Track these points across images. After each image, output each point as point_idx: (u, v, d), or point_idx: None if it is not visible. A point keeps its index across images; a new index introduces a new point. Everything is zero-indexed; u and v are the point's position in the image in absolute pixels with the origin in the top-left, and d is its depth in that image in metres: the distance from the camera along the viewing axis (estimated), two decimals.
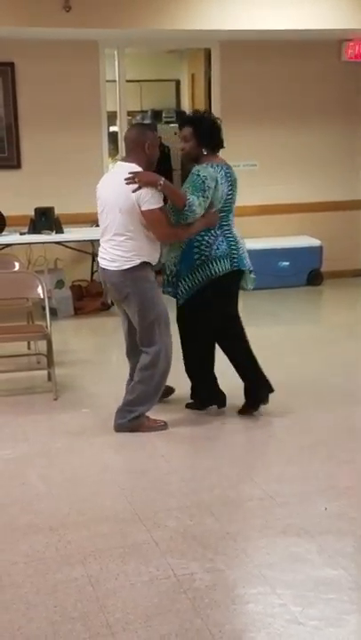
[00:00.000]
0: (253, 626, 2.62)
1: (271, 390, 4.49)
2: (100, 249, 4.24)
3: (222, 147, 4.33)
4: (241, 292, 4.48)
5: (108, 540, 3.14)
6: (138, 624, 2.59)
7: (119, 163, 4.35)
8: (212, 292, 4.26)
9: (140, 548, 3.07)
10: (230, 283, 4.33)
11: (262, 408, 4.49)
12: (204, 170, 4.16)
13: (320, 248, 8.15)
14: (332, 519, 3.30)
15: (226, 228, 4.28)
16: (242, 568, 2.93)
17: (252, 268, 4.38)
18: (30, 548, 3.10)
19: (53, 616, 2.65)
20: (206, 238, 4.22)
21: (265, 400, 4.49)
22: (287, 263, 7.93)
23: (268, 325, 6.66)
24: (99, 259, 4.27)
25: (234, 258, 4.27)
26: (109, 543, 3.12)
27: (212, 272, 4.23)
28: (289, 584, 2.81)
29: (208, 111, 4.66)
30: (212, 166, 4.20)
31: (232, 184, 4.26)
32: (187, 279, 4.27)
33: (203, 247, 4.22)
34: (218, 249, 4.23)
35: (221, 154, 4.37)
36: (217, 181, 4.15)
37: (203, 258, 4.22)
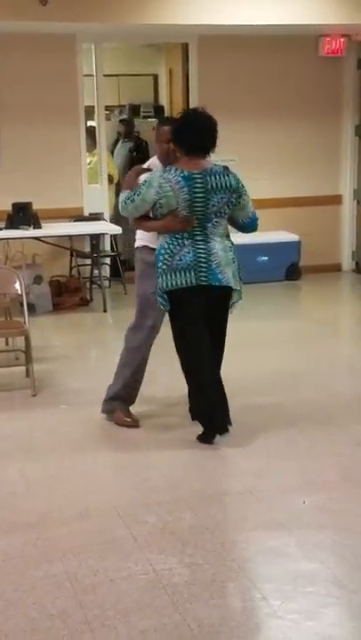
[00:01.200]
0: (233, 620, 2.63)
1: (225, 425, 4.07)
2: None
3: (197, 148, 3.94)
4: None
5: (87, 537, 3.14)
6: (117, 620, 2.59)
7: None
8: (173, 304, 3.96)
9: (120, 543, 3.07)
10: (191, 298, 3.93)
11: (242, 403, 4.47)
12: (153, 174, 3.97)
13: (298, 243, 8.18)
14: (311, 513, 3.31)
15: (198, 238, 3.93)
16: (221, 563, 2.94)
17: (230, 284, 3.97)
18: (9, 546, 3.08)
19: (32, 613, 2.64)
20: (172, 247, 3.92)
21: (217, 430, 4.06)
22: (266, 258, 7.96)
23: (247, 320, 6.65)
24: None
25: (201, 271, 3.91)
26: (88, 539, 3.12)
27: (168, 284, 3.91)
28: (268, 578, 2.82)
29: (193, 109, 4.33)
30: (171, 171, 3.91)
31: (203, 192, 3.87)
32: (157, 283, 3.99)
33: (166, 255, 3.92)
34: (180, 260, 3.89)
35: None
36: (161, 187, 3.86)
37: (163, 267, 3.92)
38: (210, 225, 3.95)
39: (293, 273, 8.19)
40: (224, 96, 7.83)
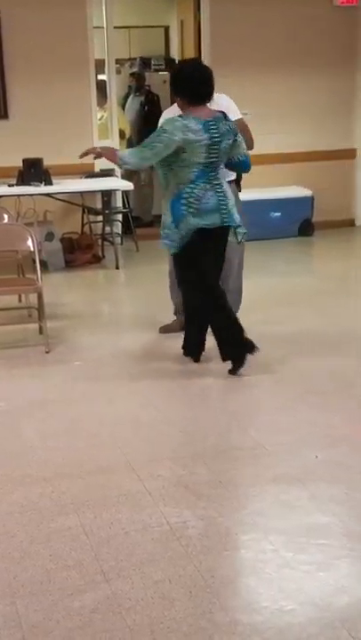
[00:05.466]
0: (245, 571, 2.67)
1: (249, 350, 4.32)
2: None
3: (201, 98, 4.15)
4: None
5: (101, 490, 3.18)
6: (132, 571, 2.63)
7: None
8: (198, 244, 4.20)
9: (134, 497, 3.11)
10: (216, 237, 4.27)
11: (254, 358, 4.48)
12: (172, 120, 4.12)
13: (311, 198, 8.10)
14: (324, 467, 3.33)
15: (215, 182, 4.20)
16: (234, 515, 2.97)
17: (240, 224, 4.29)
18: (25, 499, 3.13)
19: (48, 564, 2.69)
20: (196, 191, 4.14)
21: (239, 360, 4.34)
22: (278, 214, 7.90)
23: (260, 276, 6.64)
24: None
25: (223, 213, 4.21)
26: (103, 493, 3.15)
27: (199, 223, 4.16)
28: (280, 530, 2.85)
29: (191, 60, 4.66)
30: (183, 117, 4.11)
31: (219, 137, 4.10)
32: (175, 230, 4.20)
33: (192, 199, 4.15)
34: (207, 202, 4.16)
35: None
36: (184, 133, 4.02)
37: (191, 210, 4.15)
38: (221, 169, 4.25)
39: (306, 229, 8.13)
40: (237, 48, 7.70)
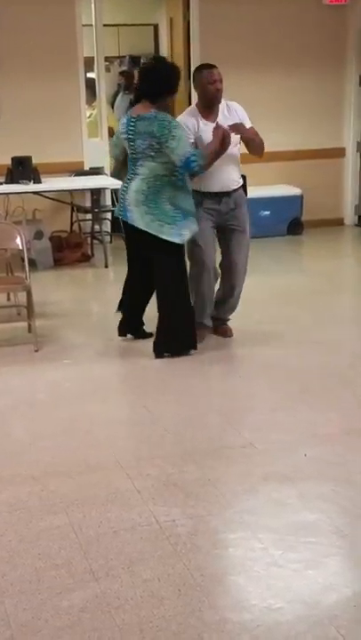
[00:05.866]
0: (234, 569, 2.67)
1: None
2: None
3: (140, 95, 4.45)
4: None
5: (90, 489, 3.17)
6: (121, 570, 2.63)
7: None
8: (126, 234, 4.71)
9: (123, 495, 3.11)
10: (125, 226, 4.60)
11: (244, 356, 4.50)
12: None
13: (301, 197, 8.11)
14: (313, 465, 3.34)
15: (131, 175, 4.49)
16: (223, 514, 2.98)
17: (134, 223, 4.43)
18: (14, 498, 3.12)
19: (37, 563, 2.68)
20: (126, 181, 4.56)
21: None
22: (268, 212, 7.90)
23: (249, 275, 6.64)
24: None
25: (120, 205, 4.57)
26: (92, 492, 3.15)
27: (116, 213, 4.81)
28: (269, 528, 2.86)
29: (153, 57, 5.22)
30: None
31: (133, 135, 4.37)
32: None
33: (123, 187, 4.60)
34: (122, 192, 4.60)
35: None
36: (120, 126, 4.55)
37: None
38: (137, 165, 4.44)
39: (296, 227, 8.14)
40: (225, 46, 7.69)
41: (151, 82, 4.36)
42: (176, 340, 4.58)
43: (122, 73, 9.08)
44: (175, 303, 4.52)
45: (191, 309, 4.60)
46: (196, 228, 4.47)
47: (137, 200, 4.39)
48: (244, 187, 4.78)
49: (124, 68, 9.28)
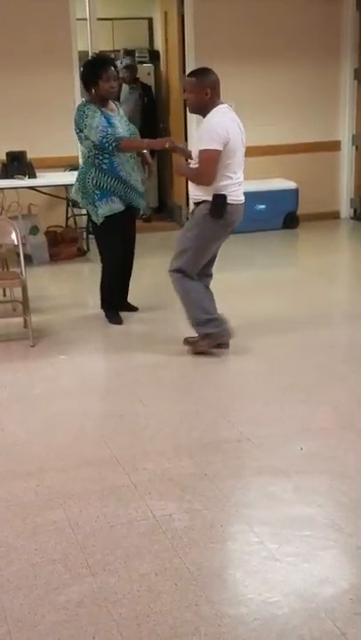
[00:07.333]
0: (231, 563, 2.68)
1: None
2: (239, 186, 4.43)
3: (92, 91, 4.93)
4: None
5: (87, 484, 3.18)
6: (118, 564, 2.64)
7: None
8: None
9: (119, 490, 3.11)
10: None
11: (240, 350, 4.50)
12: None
13: (296, 191, 8.10)
14: (308, 459, 3.35)
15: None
16: (219, 508, 2.98)
17: (72, 196, 5.35)
18: (9, 493, 3.12)
19: (34, 558, 2.69)
20: None
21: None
22: (263, 206, 7.89)
23: (245, 269, 6.65)
24: (239, 197, 4.42)
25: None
26: (88, 487, 3.15)
27: None
28: (265, 522, 2.87)
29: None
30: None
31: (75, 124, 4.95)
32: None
33: None
34: None
35: None
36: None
37: None
38: (91, 154, 4.94)
39: (291, 221, 8.13)
40: (220, 39, 7.68)
41: (82, 76, 5.10)
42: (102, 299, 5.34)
43: (126, 67, 9.04)
44: (103, 270, 5.27)
45: (109, 288, 5.25)
46: (118, 207, 4.96)
47: (78, 178, 5.07)
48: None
49: (128, 62, 9.25)
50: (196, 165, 4.31)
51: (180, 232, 4.70)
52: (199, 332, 4.55)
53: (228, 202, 4.32)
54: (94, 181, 4.93)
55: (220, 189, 4.30)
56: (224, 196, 4.31)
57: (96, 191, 4.94)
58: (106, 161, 4.89)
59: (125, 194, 4.99)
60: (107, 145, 4.81)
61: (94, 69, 4.92)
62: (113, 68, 4.97)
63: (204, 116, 4.35)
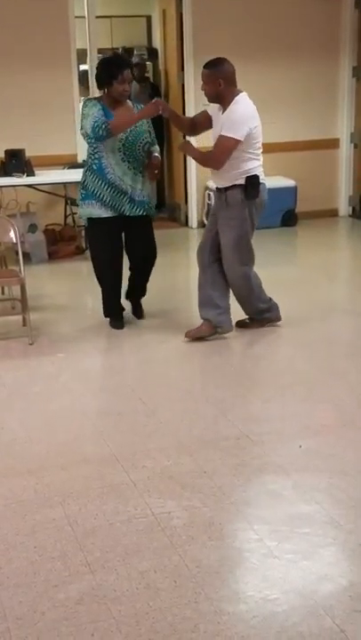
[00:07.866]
0: (230, 561, 2.68)
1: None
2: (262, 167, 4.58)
3: (104, 91, 4.77)
4: None
5: (86, 482, 3.18)
6: (117, 562, 2.64)
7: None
8: None
9: (118, 488, 3.11)
10: None
11: (239, 348, 4.51)
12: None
13: (295, 188, 8.10)
14: (308, 457, 3.35)
15: None
16: (218, 505, 2.98)
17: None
18: (8, 491, 3.12)
19: (33, 556, 2.69)
20: None
21: None
22: None
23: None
24: (263, 177, 4.56)
25: None
26: (88, 484, 3.15)
27: None
28: (265, 520, 2.87)
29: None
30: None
31: None
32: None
33: None
34: None
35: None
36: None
37: None
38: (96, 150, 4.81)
39: (290, 219, 8.13)
40: (218, 37, 7.66)
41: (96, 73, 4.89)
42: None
43: (136, 64, 9.05)
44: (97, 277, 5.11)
45: (104, 287, 5.09)
46: (98, 212, 4.78)
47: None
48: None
49: (137, 60, 9.24)
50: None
51: (219, 227, 4.64)
52: (259, 319, 4.89)
53: (261, 181, 4.50)
54: (83, 180, 4.87)
55: (251, 171, 4.45)
56: (257, 176, 4.48)
57: (82, 190, 4.87)
58: (96, 161, 4.76)
59: (112, 199, 4.76)
60: (98, 130, 4.57)
61: (110, 69, 4.70)
62: (129, 70, 4.76)
63: (223, 105, 4.43)
